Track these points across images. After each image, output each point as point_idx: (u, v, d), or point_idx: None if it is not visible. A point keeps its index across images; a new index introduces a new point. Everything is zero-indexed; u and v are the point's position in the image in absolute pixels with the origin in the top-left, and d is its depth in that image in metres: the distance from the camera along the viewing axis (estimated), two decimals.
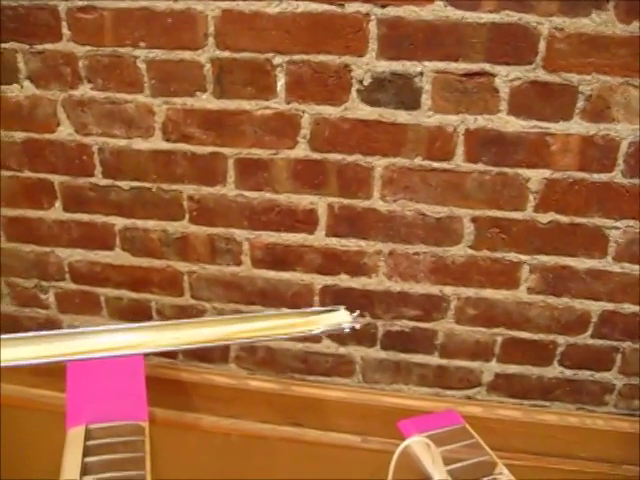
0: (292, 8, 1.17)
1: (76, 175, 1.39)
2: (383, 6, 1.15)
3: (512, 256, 1.31)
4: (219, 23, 1.20)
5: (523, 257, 1.31)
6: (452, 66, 1.18)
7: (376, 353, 1.46)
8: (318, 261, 1.37)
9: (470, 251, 1.32)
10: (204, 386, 1.55)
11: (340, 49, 1.19)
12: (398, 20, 1.16)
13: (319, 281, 1.39)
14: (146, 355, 1.28)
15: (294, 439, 1.53)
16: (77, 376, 1.37)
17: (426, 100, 1.20)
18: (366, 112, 1.23)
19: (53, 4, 1.24)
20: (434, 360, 1.45)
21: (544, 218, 1.27)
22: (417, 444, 1.20)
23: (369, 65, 1.19)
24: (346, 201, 1.31)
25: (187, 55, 1.24)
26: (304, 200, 1.32)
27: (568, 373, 1.42)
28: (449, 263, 1.33)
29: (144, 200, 1.38)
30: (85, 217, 1.43)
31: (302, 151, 1.27)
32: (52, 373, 1.59)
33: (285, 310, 0.72)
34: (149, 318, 1.51)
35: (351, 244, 1.35)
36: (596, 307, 1.34)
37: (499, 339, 1.40)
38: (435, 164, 1.25)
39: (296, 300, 1.41)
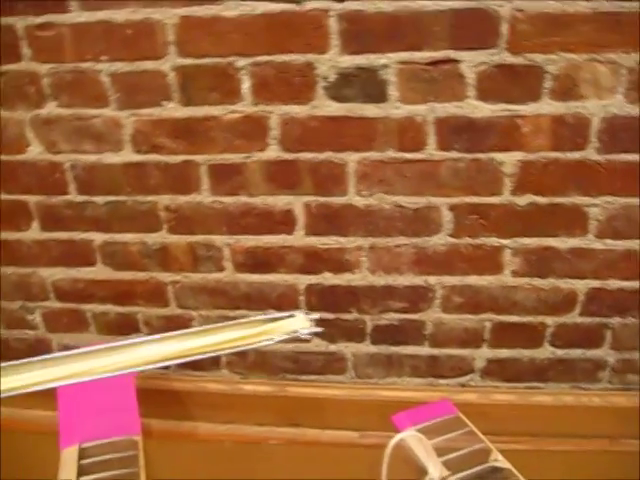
0: (250, 10, 1.16)
1: (50, 194, 1.38)
2: (341, 1, 1.14)
3: (493, 241, 1.31)
4: (179, 30, 1.19)
5: (504, 241, 1.31)
6: (416, 56, 1.17)
7: (367, 348, 1.45)
8: (300, 261, 1.36)
9: (451, 239, 1.31)
10: (198, 394, 1.54)
11: (302, 47, 1.18)
12: (358, 14, 1.15)
13: (303, 281, 1.39)
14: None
15: (293, 440, 1.52)
16: (68, 395, 1.36)
17: (393, 92, 1.19)
18: (334, 108, 1.22)
19: (10, 23, 1.23)
20: (425, 350, 1.44)
21: (522, 201, 1.27)
22: (411, 437, 1.20)
23: (333, 61, 1.18)
24: (322, 199, 1.30)
25: (150, 65, 1.23)
26: (280, 201, 1.31)
27: (560, 353, 1.42)
28: (431, 253, 1.33)
29: (120, 214, 1.37)
30: (63, 235, 1.42)
31: (274, 152, 1.27)
32: (46, 392, 1.58)
33: (240, 320, 0.70)
34: (137, 331, 1.51)
35: (331, 241, 1.34)
36: (582, 285, 1.34)
37: (488, 325, 1.40)
38: (408, 155, 1.24)
39: (281, 301, 1.41)
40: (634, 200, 1.24)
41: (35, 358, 0.61)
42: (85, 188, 1.36)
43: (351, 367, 1.48)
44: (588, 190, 1.25)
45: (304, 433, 1.52)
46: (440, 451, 1.19)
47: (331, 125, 1.23)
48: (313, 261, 1.36)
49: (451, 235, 1.31)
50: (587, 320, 1.38)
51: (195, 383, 1.53)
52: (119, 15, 1.19)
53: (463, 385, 1.48)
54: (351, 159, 1.25)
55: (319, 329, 0.60)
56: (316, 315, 0.64)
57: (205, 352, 0.56)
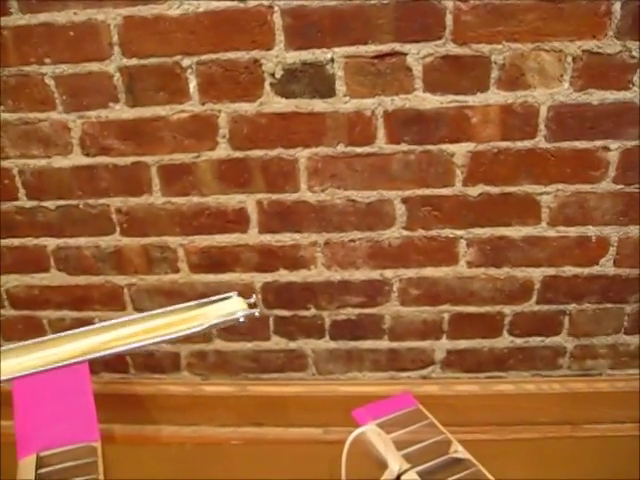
0: (194, 8, 1.15)
1: (0, 200, 1.36)
2: None
3: (447, 232, 1.31)
4: (122, 31, 1.18)
5: (458, 232, 1.31)
6: (362, 49, 1.16)
7: (326, 344, 1.45)
8: (255, 259, 1.36)
9: (405, 232, 1.31)
10: (160, 397, 1.53)
11: (248, 44, 1.17)
12: (302, 9, 1.14)
13: (259, 279, 1.38)
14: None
15: (256, 440, 1.52)
16: (24, 404, 1.35)
17: (340, 86, 1.19)
18: (282, 105, 1.21)
19: None
20: (385, 344, 1.44)
21: (474, 191, 1.27)
22: (370, 432, 1.20)
23: (279, 57, 1.17)
24: (274, 196, 1.29)
25: (95, 67, 1.21)
26: (232, 200, 1.30)
27: (519, 341, 1.43)
28: (386, 246, 1.33)
29: (72, 218, 1.35)
30: (16, 242, 1.40)
31: (224, 151, 1.26)
32: (4, 402, 1.57)
33: (174, 307, 0.68)
34: None
35: (286, 238, 1.33)
36: (537, 273, 1.35)
37: (446, 316, 1.40)
38: (358, 149, 1.24)
39: None
40: (585, 187, 1.25)
41: None
42: (35, 193, 1.34)
43: (312, 364, 1.48)
44: (539, 178, 1.25)
45: (267, 432, 1.52)
46: (401, 444, 1.20)
47: (280, 121, 1.22)
48: (268, 259, 1.36)
49: (405, 228, 1.31)
50: (544, 308, 1.38)
51: (156, 386, 1.52)
52: (61, 17, 1.17)
53: (424, 377, 1.48)
54: (302, 155, 1.25)
55: (255, 311, 0.58)
56: (252, 298, 0.63)
57: (142, 340, 0.54)
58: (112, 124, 1.26)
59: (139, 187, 1.31)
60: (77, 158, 1.29)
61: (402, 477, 1.12)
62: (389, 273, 1.36)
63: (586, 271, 1.34)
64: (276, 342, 1.46)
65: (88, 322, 1.48)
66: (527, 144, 1.22)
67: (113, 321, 0.56)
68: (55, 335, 0.50)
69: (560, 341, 1.42)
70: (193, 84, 1.21)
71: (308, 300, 1.39)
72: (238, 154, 1.26)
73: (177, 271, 1.39)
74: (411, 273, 1.35)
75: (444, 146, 1.23)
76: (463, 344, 1.43)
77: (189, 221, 1.33)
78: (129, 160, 1.28)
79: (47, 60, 1.21)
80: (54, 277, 1.43)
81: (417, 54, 1.16)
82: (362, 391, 1.48)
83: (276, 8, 1.14)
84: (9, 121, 1.28)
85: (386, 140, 1.23)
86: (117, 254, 1.38)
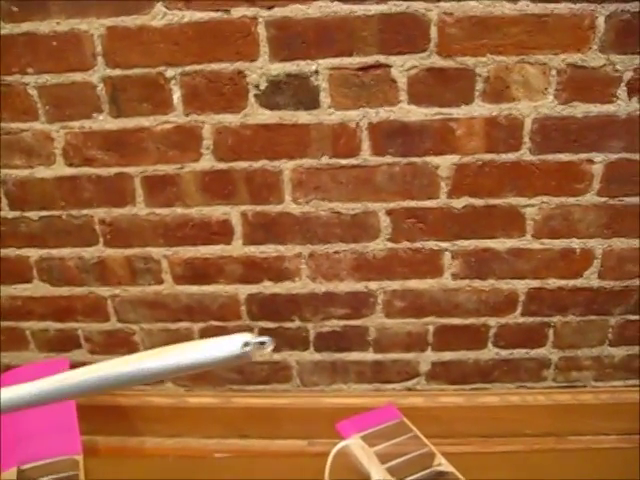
0: (178, 19, 1.15)
1: None
2: (269, 7, 1.13)
3: (432, 244, 1.31)
4: (106, 41, 1.17)
5: (443, 244, 1.31)
6: (347, 61, 1.16)
7: (311, 356, 1.45)
8: (239, 271, 1.35)
9: (389, 244, 1.31)
10: (144, 408, 1.52)
11: (232, 55, 1.16)
12: (286, 20, 1.14)
13: (243, 291, 1.37)
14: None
15: (241, 451, 1.51)
16: (6, 416, 1.33)
17: (325, 98, 1.19)
18: (266, 116, 1.21)
19: None
20: (369, 356, 1.44)
21: (459, 203, 1.27)
22: (354, 445, 1.20)
23: (263, 69, 1.17)
24: (259, 208, 1.29)
25: (78, 77, 1.20)
26: (216, 211, 1.29)
27: (504, 353, 1.42)
28: (370, 258, 1.32)
29: (55, 228, 1.34)
30: None
31: (207, 162, 1.25)
32: None
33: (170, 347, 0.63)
34: (78, 347, 1.48)
35: (270, 250, 1.33)
36: (522, 285, 1.35)
37: (431, 328, 1.40)
38: (343, 161, 1.24)
39: (223, 312, 1.40)
40: (569, 199, 1.25)
41: None
42: (17, 203, 1.33)
43: (296, 375, 1.47)
44: (523, 191, 1.25)
45: (252, 444, 1.51)
46: (384, 457, 1.19)
47: (264, 133, 1.22)
48: (252, 270, 1.35)
49: (390, 240, 1.30)
50: (529, 320, 1.38)
51: (140, 397, 1.51)
52: (43, 26, 1.17)
53: (409, 389, 1.47)
54: (286, 167, 1.24)
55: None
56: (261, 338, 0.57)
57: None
58: (95, 135, 1.25)
59: (123, 198, 1.30)
60: (60, 168, 1.29)
61: None
62: (374, 285, 1.35)
63: (570, 283, 1.34)
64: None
65: (72, 333, 1.47)
66: (512, 156, 1.23)
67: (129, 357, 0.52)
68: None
69: (545, 353, 1.42)
70: (177, 95, 1.20)
71: (293, 312, 1.38)
72: (222, 165, 1.25)
73: (161, 282, 1.38)
74: (396, 285, 1.35)
75: (429, 158, 1.23)
76: (448, 356, 1.43)
77: (173, 232, 1.32)
78: (112, 171, 1.28)
79: (30, 70, 1.21)
80: (37, 288, 1.42)
81: (402, 66, 1.16)
82: (347, 403, 1.47)
83: (260, 19, 1.14)
84: None
85: (371, 152, 1.23)
86: (101, 265, 1.37)
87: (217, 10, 1.14)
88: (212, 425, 1.51)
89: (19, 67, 1.21)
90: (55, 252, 1.37)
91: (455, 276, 1.34)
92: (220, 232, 1.31)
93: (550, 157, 1.22)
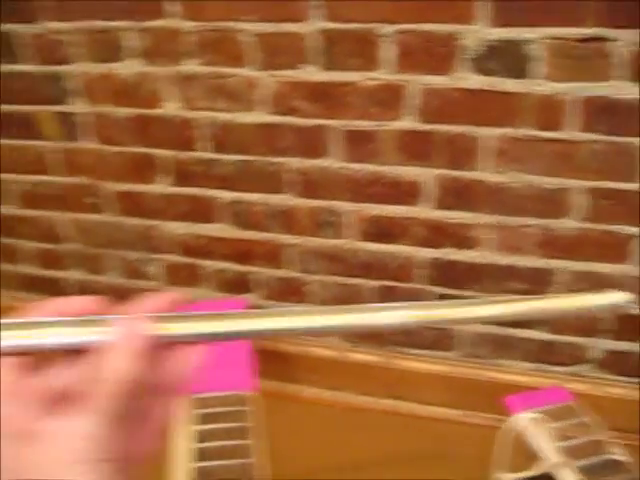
0: None
1: (181, 149, 1.41)
2: None
3: (625, 229, 1.26)
4: None
5: (634, 230, 1.26)
6: (566, 32, 1.13)
7: (477, 327, 1.44)
8: (423, 233, 1.36)
9: (580, 224, 1.28)
10: (304, 358, 1.56)
11: (449, 18, 1.16)
12: None
13: (424, 254, 1.38)
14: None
15: (394, 412, 1.52)
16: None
17: (539, 68, 1.17)
18: (475, 81, 1.20)
19: None
20: (541, 335, 1.41)
21: None
22: (526, 420, 1.19)
23: (479, 33, 1.16)
24: (453, 173, 1.28)
25: (293, 27, 1.23)
26: (409, 172, 1.30)
27: None
28: (558, 236, 1.30)
29: (248, 173, 1.39)
30: (190, 191, 1.46)
31: (408, 122, 1.26)
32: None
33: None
34: (249, 291, 1.53)
35: (457, 216, 1.32)
36: None
37: (611, 315, 1.36)
38: (546, 134, 1.21)
39: (399, 273, 1.41)
40: None
41: None
42: (216, 146, 1.38)
43: (460, 345, 1.47)
44: None
45: (406, 407, 1.52)
46: (555, 437, 1.17)
47: (471, 98, 1.21)
48: (436, 235, 1.35)
49: (581, 219, 1.27)
50: None
51: (303, 347, 1.55)
52: None
53: (574, 374, 1.44)
54: (487, 134, 1.23)
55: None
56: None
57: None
58: (302, 85, 1.28)
59: (318, 150, 1.32)
60: (261, 116, 1.32)
61: (559, 470, 1.11)
62: (557, 263, 1.33)
63: None
64: None
65: (247, 276, 1.52)
66: None
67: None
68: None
69: None
70: (388, 53, 1.21)
71: (472, 281, 1.38)
72: (422, 127, 1.25)
73: (342, 237, 1.40)
74: (579, 266, 1.32)
75: (633, 139, 1.18)
76: (625, 346, 1.38)
77: (362, 189, 1.34)
78: (313, 122, 1.30)
79: (247, 18, 1.24)
80: (222, 229, 1.48)
81: (624, 41, 1.12)
82: (507, 379, 1.46)
83: None
84: (202, 74, 1.32)
85: (577, 127, 1.20)
86: (286, 213, 1.41)
87: None
88: (369, 383, 1.54)
89: (237, 14, 1.25)
90: (245, 196, 1.42)
91: None
92: (409, 193, 1.32)
93: None
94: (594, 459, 1.15)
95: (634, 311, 0.44)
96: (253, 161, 1.37)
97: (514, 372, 1.47)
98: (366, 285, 1.44)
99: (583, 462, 1.13)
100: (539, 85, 1.18)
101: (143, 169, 1.47)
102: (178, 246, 1.54)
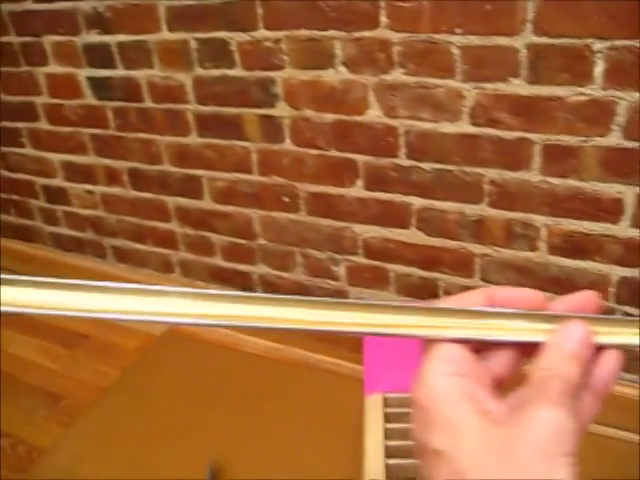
0: None
1: (380, 155, 1.47)
2: None
3: None
4: (539, 9, 1.20)
5: None
6: None
7: None
8: (619, 252, 1.34)
9: None
10: None
11: None
12: None
13: (617, 272, 1.36)
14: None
15: None
16: (373, 346, 1.45)
17: None
18: None
19: None
20: None
21: None
22: None
23: None
24: None
25: (503, 41, 1.25)
26: (611, 189, 1.29)
27: None
28: None
29: (445, 182, 1.42)
30: (384, 196, 1.51)
31: (614, 139, 1.25)
32: (335, 341, 1.70)
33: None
34: (435, 297, 1.56)
35: None
36: None
37: None
38: None
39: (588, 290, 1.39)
40: None
41: None
42: (415, 153, 1.43)
43: None
44: None
45: None
46: None
47: None
48: (633, 254, 1.33)
49: None
50: None
51: None
52: None
53: None
54: None
55: None
56: None
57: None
58: (506, 98, 1.30)
59: (518, 162, 1.34)
60: (464, 126, 1.35)
61: None
62: None
63: None
64: None
65: (432, 283, 1.55)
66: None
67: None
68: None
69: None
70: (599, 68, 1.21)
71: None
72: (629, 144, 1.24)
73: (535, 250, 1.41)
74: None
75: None
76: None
77: (560, 203, 1.34)
78: (514, 135, 1.32)
79: (458, 30, 1.28)
80: (412, 235, 1.52)
81: None
82: None
83: None
84: (407, 83, 1.37)
85: None
86: (479, 223, 1.43)
87: None
88: None
89: (448, 27, 1.28)
90: (438, 204, 1.46)
91: None
92: (609, 210, 1.31)
93: None
94: None
95: None
96: (450, 170, 1.41)
97: None
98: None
99: None
100: None
101: (340, 172, 1.54)
102: (365, 248, 1.59)
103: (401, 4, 1.31)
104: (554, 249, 1.39)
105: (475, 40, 1.28)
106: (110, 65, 1.75)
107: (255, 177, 1.67)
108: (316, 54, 1.44)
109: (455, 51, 1.30)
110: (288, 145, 1.58)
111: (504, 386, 0.43)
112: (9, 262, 2.43)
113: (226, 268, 1.89)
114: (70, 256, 2.27)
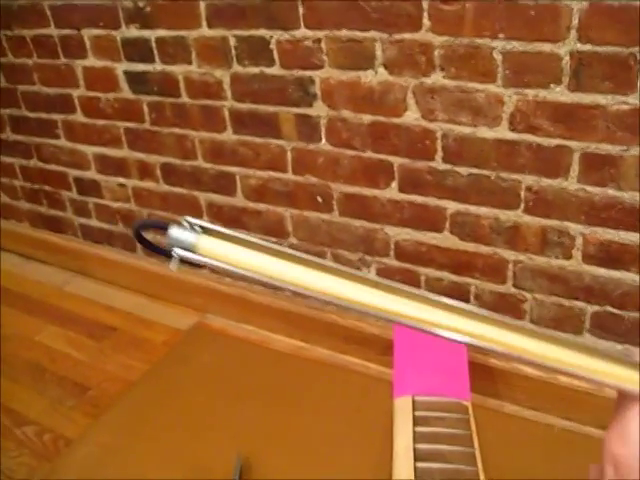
0: None
1: (416, 158, 1.47)
2: None
3: None
4: (584, 16, 1.20)
5: None
6: None
7: None
8: None
9: None
10: (512, 375, 1.57)
11: None
12: None
13: None
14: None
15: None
16: (403, 348, 1.45)
17: None
18: None
19: None
20: None
21: None
22: None
23: None
24: None
25: (546, 47, 1.25)
26: None
27: None
28: None
29: (480, 187, 1.42)
30: (419, 199, 1.51)
31: None
32: (362, 343, 1.70)
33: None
34: (466, 301, 1.56)
35: None
36: None
37: None
38: None
39: (623, 300, 1.39)
40: None
41: None
42: (451, 157, 1.43)
43: None
44: None
45: None
46: None
47: None
48: None
49: None
50: None
51: (513, 364, 1.55)
52: None
53: None
54: None
55: None
56: None
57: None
58: (547, 105, 1.29)
59: (556, 170, 1.33)
60: (502, 132, 1.35)
61: None
62: None
63: None
64: None
65: (464, 288, 1.55)
66: None
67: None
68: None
69: None
70: None
71: None
72: None
73: (569, 258, 1.40)
74: None
75: None
76: None
77: (597, 212, 1.33)
78: (553, 142, 1.31)
79: (501, 35, 1.28)
80: (445, 239, 1.52)
81: None
82: None
83: None
84: (447, 87, 1.37)
85: None
86: (514, 229, 1.43)
87: None
88: (574, 408, 1.52)
89: (491, 31, 1.28)
90: (472, 209, 1.45)
91: None
92: None
93: None
94: None
95: None
96: (487, 175, 1.40)
97: None
98: (586, 309, 1.43)
99: None
100: None
101: (375, 174, 1.54)
102: (397, 251, 1.59)
103: (444, 7, 1.30)
104: (589, 258, 1.38)
105: (518, 46, 1.27)
106: (148, 60, 1.77)
107: (289, 176, 1.68)
108: (356, 55, 1.44)
109: (497, 56, 1.30)
110: (324, 145, 1.58)
111: None
112: (39, 252, 2.46)
113: None
114: (100, 248, 2.29)
